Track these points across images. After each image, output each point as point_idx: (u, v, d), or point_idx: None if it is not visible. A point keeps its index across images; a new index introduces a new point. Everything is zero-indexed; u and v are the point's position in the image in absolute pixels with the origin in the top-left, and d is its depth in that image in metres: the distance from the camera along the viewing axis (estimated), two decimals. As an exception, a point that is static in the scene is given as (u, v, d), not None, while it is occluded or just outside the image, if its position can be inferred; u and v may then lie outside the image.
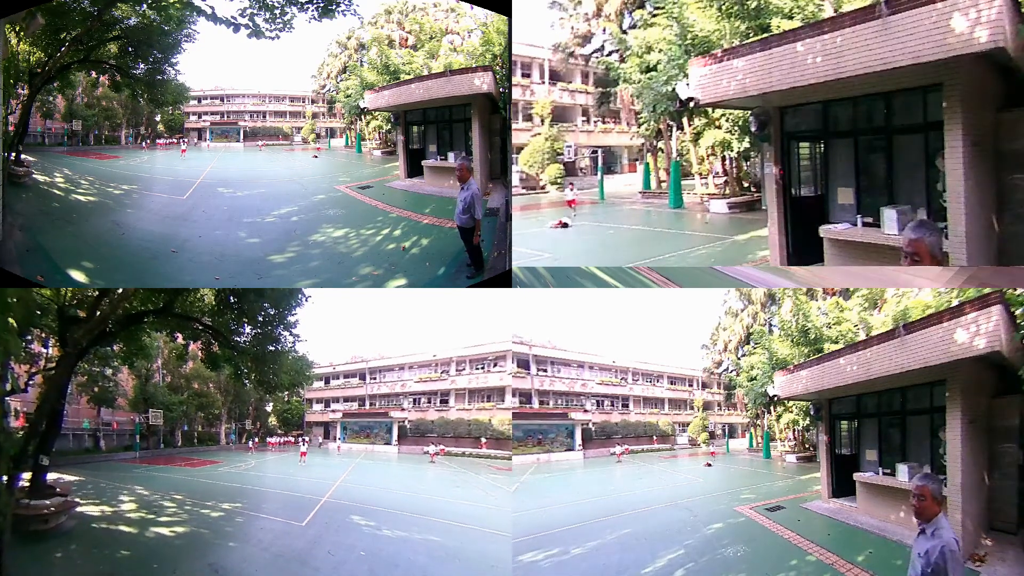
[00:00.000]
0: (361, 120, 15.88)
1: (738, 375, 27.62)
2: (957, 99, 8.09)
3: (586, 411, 29.84)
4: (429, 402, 21.77)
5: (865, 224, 9.80)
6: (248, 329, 11.95)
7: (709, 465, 26.35)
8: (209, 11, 11.00)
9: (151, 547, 9.23)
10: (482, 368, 22.07)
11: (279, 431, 23.98)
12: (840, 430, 14.10)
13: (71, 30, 12.37)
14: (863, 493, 12.39)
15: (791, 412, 25.47)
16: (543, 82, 29.19)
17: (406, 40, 14.92)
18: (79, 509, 11.19)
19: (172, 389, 22.55)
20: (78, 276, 9.28)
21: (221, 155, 16.74)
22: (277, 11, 11.32)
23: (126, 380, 22.00)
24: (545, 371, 28.20)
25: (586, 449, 28.28)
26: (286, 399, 23.64)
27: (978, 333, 8.12)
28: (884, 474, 11.48)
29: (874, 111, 9.82)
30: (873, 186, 9.97)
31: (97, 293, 10.58)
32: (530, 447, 25.72)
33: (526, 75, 28.99)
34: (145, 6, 12.89)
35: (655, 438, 33.42)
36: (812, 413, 15.09)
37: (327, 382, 23.66)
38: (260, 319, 11.70)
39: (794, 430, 28.32)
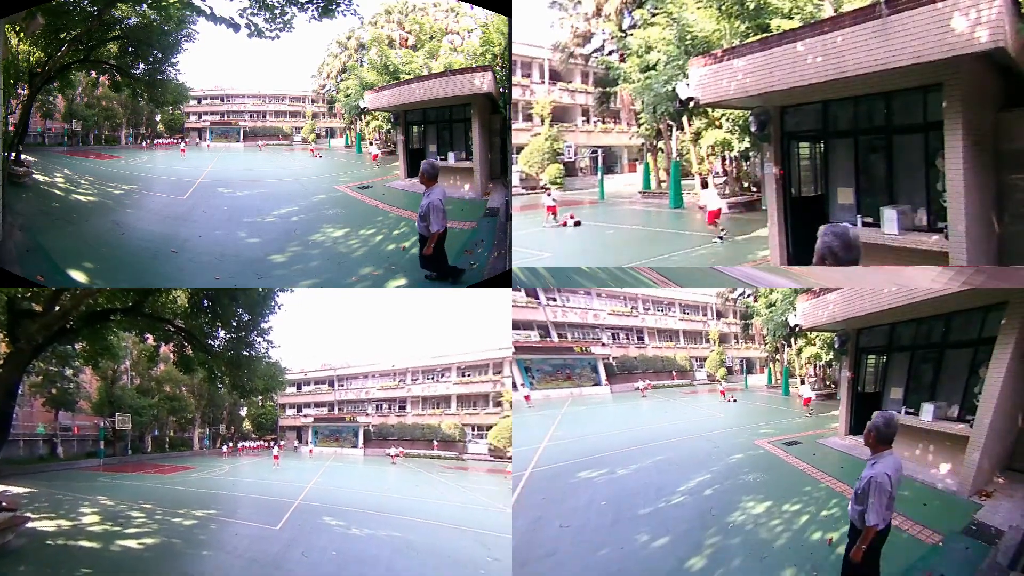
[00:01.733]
0: (361, 120, 15.86)
1: (756, 300, 27.01)
2: (957, 99, 8.08)
3: (604, 345, 30.68)
4: (390, 408, 23.01)
5: (865, 224, 9.78)
6: (222, 333, 11.76)
7: (734, 400, 26.64)
8: (208, 11, 10.99)
9: (116, 561, 8.55)
10: (432, 378, 23.41)
11: (253, 435, 24.04)
12: (866, 365, 13.42)
13: (71, 30, 12.34)
14: None
15: (813, 345, 24.61)
16: (543, 82, 29.22)
17: (406, 40, 14.91)
18: (30, 525, 10.04)
19: (142, 392, 21.69)
20: (78, 276, 9.25)
21: (221, 155, 16.78)
22: (277, 11, 11.31)
23: (89, 381, 20.83)
24: (554, 300, 28.73)
25: (611, 384, 29.46)
26: (260, 404, 23.62)
27: (979, 22, 6.95)
28: (907, 413, 10.99)
29: (874, 111, 9.81)
30: (873, 186, 9.96)
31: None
32: (561, 381, 27.33)
33: (526, 75, 29.05)
34: (145, 6, 12.86)
35: (674, 373, 33.81)
36: (837, 346, 14.00)
37: (299, 388, 24.41)
38: (234, 324, 11.50)
39: (815, 366, 27.52)
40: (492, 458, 21.26)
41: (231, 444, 23.50)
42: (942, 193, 8.46)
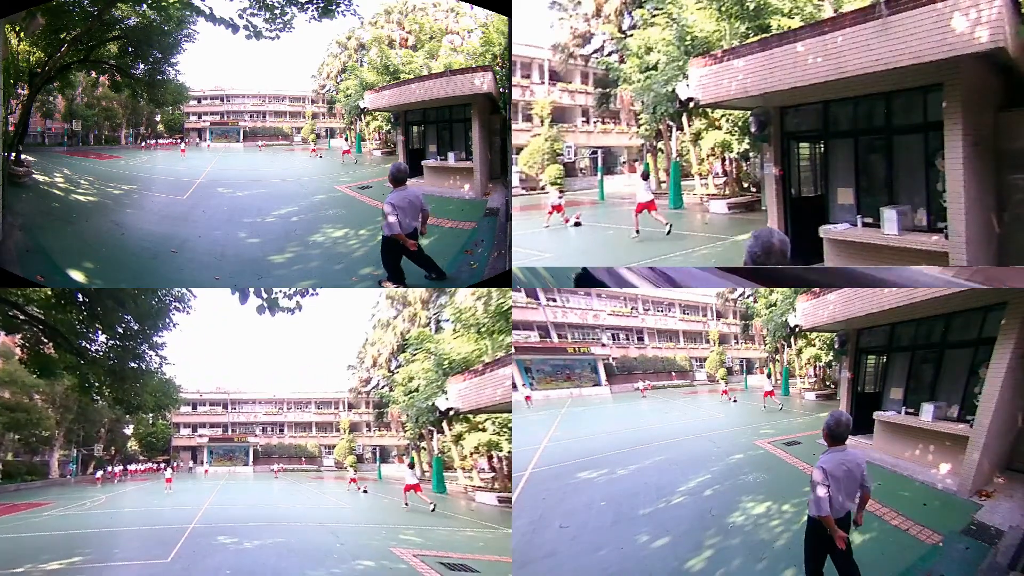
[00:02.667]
0: (361, 120, 15.96)
1: (756, 301, 27.25)
2: (957, 99, 8.07)
3: (604, 345, 31.01)
4: (273, 431, 26.68)
5: (865, 224, 9.77)
6: (103, 337, 10.01)
7: (735, 400, 26.85)
8: (208, 11, 10.95)
9: None
10: (300, 408, 27.60)
11: (142, 457, 22.99)
12: (866, 365, 13.42)
13: (71, 30, 12.36)
14: (880, 431, 11.92)
15: (813, 346, 24.88)
16: (543, 82, 29.24)
17: (406, 40, 15.00)
18: None
19: None
20: (78, 276, 9.24)
21: (221, 155, 17.02)
22: (277, 11, 11.30)
23: None
24: (554, 300, 29.72)
25: (611, 384, 30.25)
26: (151, 422, 21.40)
27: (979, 22, 6.99)
28: (907, 413, 10.98)
29: (874, 111, 9.81)
30: (873, 186, 9.95)
31: None
32: (561, 382, 28.53)
33: (526, 75, 29.05)
34: (145, 6, 12.88)
35: (674, 373, 33.91)
36: (837, 347, 14.04)
37: (194, 407, 26.46)
38: (120, 330, 9.90)
39: (815, 366, 27.55)
40: (336, 468, 25.43)
41: (109, 468, 19.62)
42: (942, 193, 8.45)
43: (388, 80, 15.91)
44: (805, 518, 7.84)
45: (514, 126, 28.36)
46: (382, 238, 7.99)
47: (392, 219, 7.78)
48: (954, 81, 8.07)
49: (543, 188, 26.25)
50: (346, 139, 15.57)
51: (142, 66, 13.65)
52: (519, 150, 27.45)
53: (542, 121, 28.26)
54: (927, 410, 10.17)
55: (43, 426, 16.75)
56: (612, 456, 12.66)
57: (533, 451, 13.09)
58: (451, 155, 15.84)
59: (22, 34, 11.90)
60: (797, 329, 15.28)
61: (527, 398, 25.80)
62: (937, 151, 8.56)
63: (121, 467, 20.84)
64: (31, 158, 13.67)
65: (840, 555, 5.30)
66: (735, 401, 26.99)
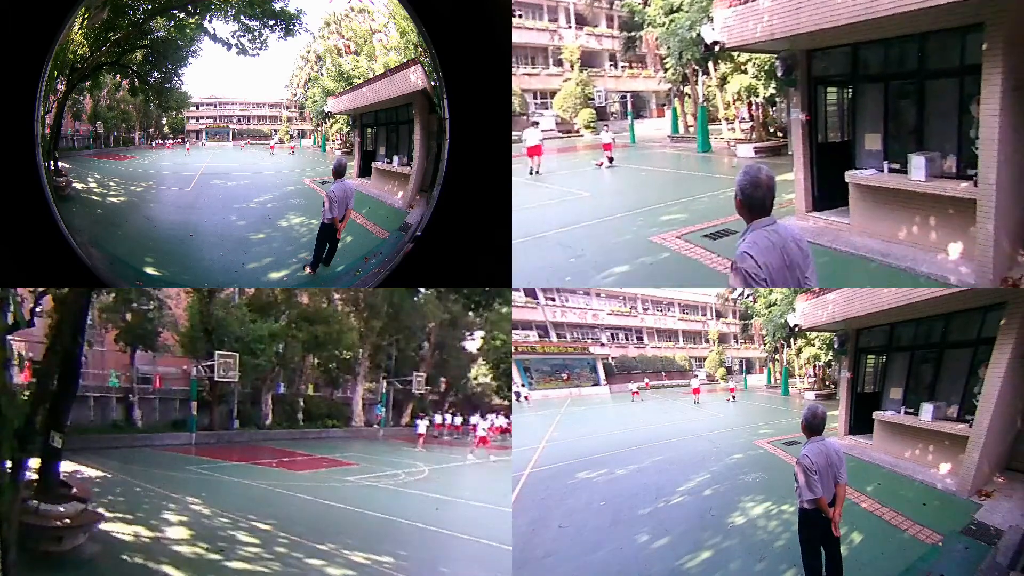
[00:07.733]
0: (326, 123, 17.08)
1: (755, 301, 26.80)
2: (999, 40, 7.10)
3: (603, 345, 30.89)
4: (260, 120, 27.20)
5: (892, 170, 9.07)
6: (156, 74, 14.96)
7: (734, 399, 26.85)
8: (212, 31, 12.30)
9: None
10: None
11: (170, 136, 29.97)
12: (865, 365, 13.05)
13: (118, 31, 12.80)
14: (880, 431, 11.64)
15: (813, 346, 24.65)
16: (570, 26, 28.55)
17: (349, 47, 15.37)
18: (104, 526, 7.67)
19: (258, 309, 15.20)
20: (154, 273, 9.93)
21: (215, 152, 19.24)
22: (255, 32, 12.74)
23: (175, 297, 14.40)
24: (553, 300, 29.53)
25: (610, 384, 30.61)
26: (175, 116, 28.69)
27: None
28: (907, 413, 10.68)
29: (906, 54, 8.98)
30: (902, 132, 9.22)
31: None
32: (560, 382, 28.99)
33: (553, 19, 28.54)
34: (172, 23, 13.66)
35: (664, 374, 33.66)
36: (836, 347, 13.72)
37: (198, 107, 30.40)
38: (164, 70, 14.54)
39: (815, 366, 27.34)
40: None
41: (158, 142, 28.50)
42: (975, 140, 7.69)
43: (344, 86, 15.97)
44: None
45: (545, 71, 28.11)
46: (320, 224, 8.95)
47: (329, 206, 8.85)
48: (997, 20, 7.08)
49: (578, 131, 26.19)
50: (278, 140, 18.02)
51: (156, 74, 14.87)
52: (552, 94, 27.59)
53: (572, 66, 27.70)
54: (927, 410, 9.84)
55: (132, 121, 22.01)
56: (611, 456, 12.65)
57: (533, 451, 13.16)
58: (396, 159, 15.00)
59: (85, 23, 12.15)
60: (796, 329, 14.70)
61: (526, 398, 25.84)
62: (972, 96, 7.68)
63: (165, 141, 29.95)
64: (66, 165, 14.11)
65: (833, 544, 5.30)
66: (734, 399, 26.45)
